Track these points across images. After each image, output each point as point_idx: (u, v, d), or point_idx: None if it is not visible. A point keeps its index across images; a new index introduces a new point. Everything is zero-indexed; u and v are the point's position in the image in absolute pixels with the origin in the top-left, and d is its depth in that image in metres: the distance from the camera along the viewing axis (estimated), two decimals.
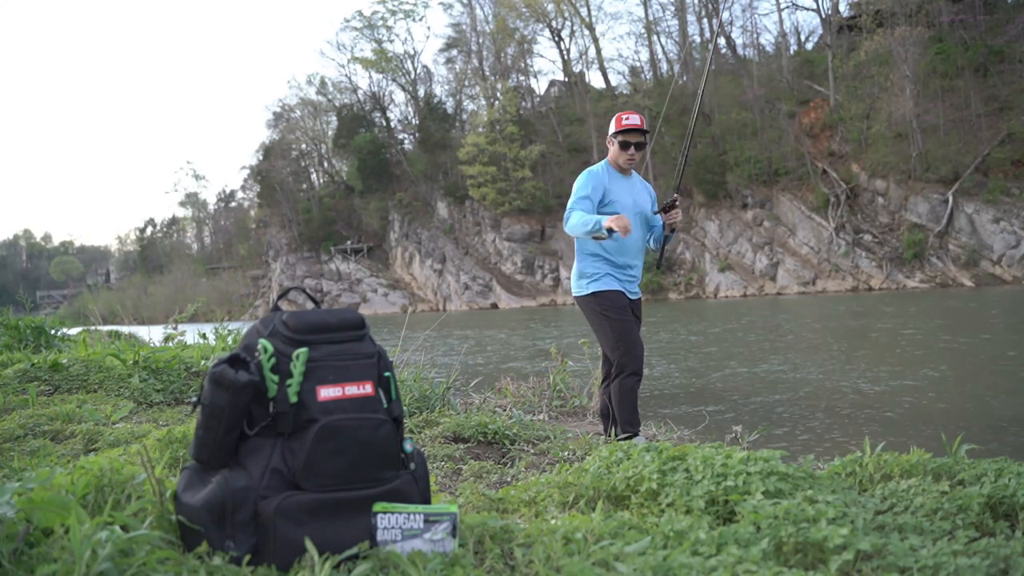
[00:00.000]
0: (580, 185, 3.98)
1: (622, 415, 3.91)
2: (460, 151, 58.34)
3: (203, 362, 4.72)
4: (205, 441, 1.56)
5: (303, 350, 1.56)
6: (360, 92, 71.21)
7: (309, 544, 1.46)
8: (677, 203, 4.06)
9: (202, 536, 1.51)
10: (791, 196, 46.60)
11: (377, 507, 1.56)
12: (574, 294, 4.15)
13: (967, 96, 41.76)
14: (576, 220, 3.79)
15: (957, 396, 6.86)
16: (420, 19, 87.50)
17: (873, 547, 1.48)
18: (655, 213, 4.13)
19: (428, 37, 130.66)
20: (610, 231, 3.69)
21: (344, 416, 1.57)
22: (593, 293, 3.99)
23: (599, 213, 3.98)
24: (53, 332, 6.97)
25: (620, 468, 2.06)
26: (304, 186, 73.53)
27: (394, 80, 70.08)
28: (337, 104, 72.42)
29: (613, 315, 3.94)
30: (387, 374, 1.69)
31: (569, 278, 4.41)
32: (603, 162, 4.12)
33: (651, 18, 57.56)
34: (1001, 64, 42.39)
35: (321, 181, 74.22)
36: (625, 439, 3.71)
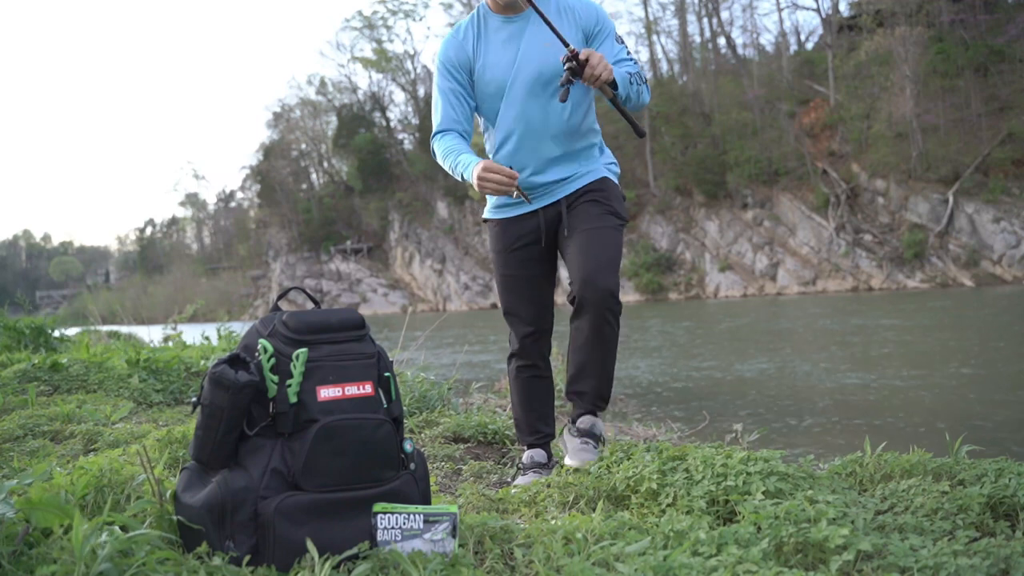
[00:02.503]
0: (437, 86, 2.45)
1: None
2: None
3: (203, 362, 4.72)
4: (205, 441, 1.57)
5: (303, 350, 1.57)
6: (360, 92, 71.32)
7: (309, 544, 1.46)
8: (578, 56, 2.18)
9: (202, 536, 1.51)
10: (791, 196, 46.60)
11: (377, 507, 1.56)
12: None
13: (967, 96, 41.77)
14: (439, 155, 2.42)
15: (958, 395, 6.86)
16: (420, 19, 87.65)
17: (873, 547, 1.48)
18: (561, 85, 2.20)
19: (428, 37, 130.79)
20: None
21: (344, 416, 1.57)
22: (485, 220, 2.64)
23: (476, 99, 2.46)
24: (54, 333, 6.97)
25: (620, 468, 2.06)
26: (304, 186, 73.56)
27: (394, 80, 70.14)
28: (337, 104, 72.48)
29: (496, 265, 2.59)
30: (387, 374, 1.69)
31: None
32: (481, 4, 2.49)
33: (651, 18, 57.62)
34: (1001, 64, 42.40)
35: (321, 181, 74.25)
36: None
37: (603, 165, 2.55)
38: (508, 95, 2.39)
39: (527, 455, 2.54)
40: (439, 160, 2.41)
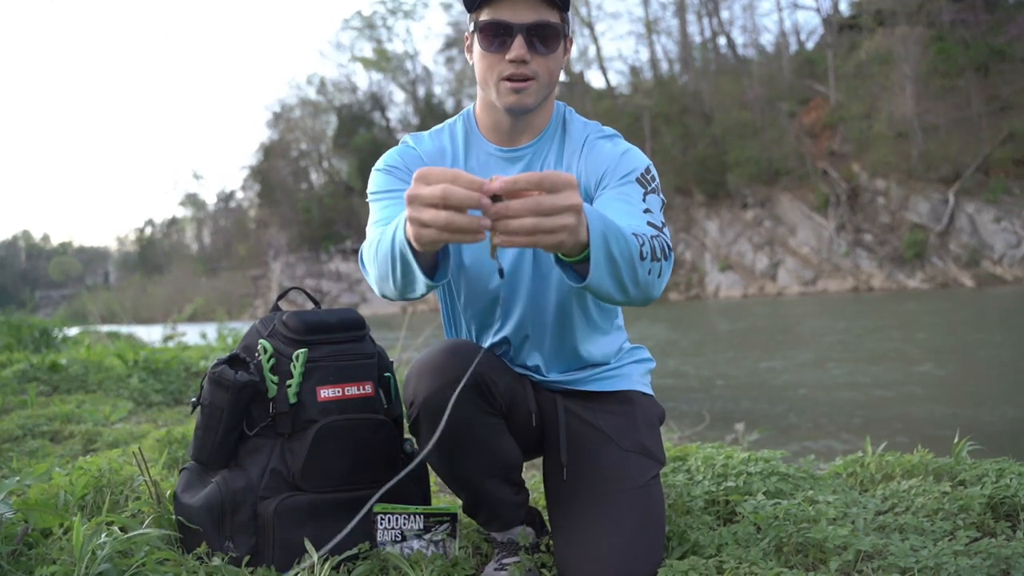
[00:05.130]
0: (371, 193, 1.54)
1: None
2: None
3: (202, 362, 4.72)
4: (204, 442, 1.56)
5: (303, 351, 1.56)
6: (360, 92, 71.39)
7: (308, 545, 1.46)
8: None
9: (201, 537, 1.51)
10: (791, 196, 46.60)
11: (377, 508, 1.56)
12: None
13: (968, 95, 41.79)
14: (367, 256, 1.36)
15: (958, 396, 6.85)
16: (420, 19, 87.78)
17: (874, 547, 1.48)
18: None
19: (428, 37, 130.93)
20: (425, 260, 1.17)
21: (344, 417, 1.57)
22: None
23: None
24: (55, 334, 6.97)
25: None
26: (304, 186, 73.56)
27: (394, 80, 70.24)
28: (337, 104, 72.53)
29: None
30: (387, 374, 1.69)
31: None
32: (457, 118, 1.64)
33: (651, 17, 57.65)
34: (1002, 63, 42.38)
35: (321, 181, 74.30)
36: None
37: (633, 371, 1.68)
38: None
39: (501, 535, 1.61)
40: (369, 268, 1.35)
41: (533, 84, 1.46)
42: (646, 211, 1.40)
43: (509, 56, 1.43)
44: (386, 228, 1.25)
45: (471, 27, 1.48)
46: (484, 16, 1.44)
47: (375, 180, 1.54)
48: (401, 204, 1.42)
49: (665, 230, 1.38)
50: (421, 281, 1.16)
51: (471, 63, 1.52)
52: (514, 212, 0.95)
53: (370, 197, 1.53)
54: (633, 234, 1.22)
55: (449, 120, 1.64)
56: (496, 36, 1.43)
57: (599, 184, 1.50)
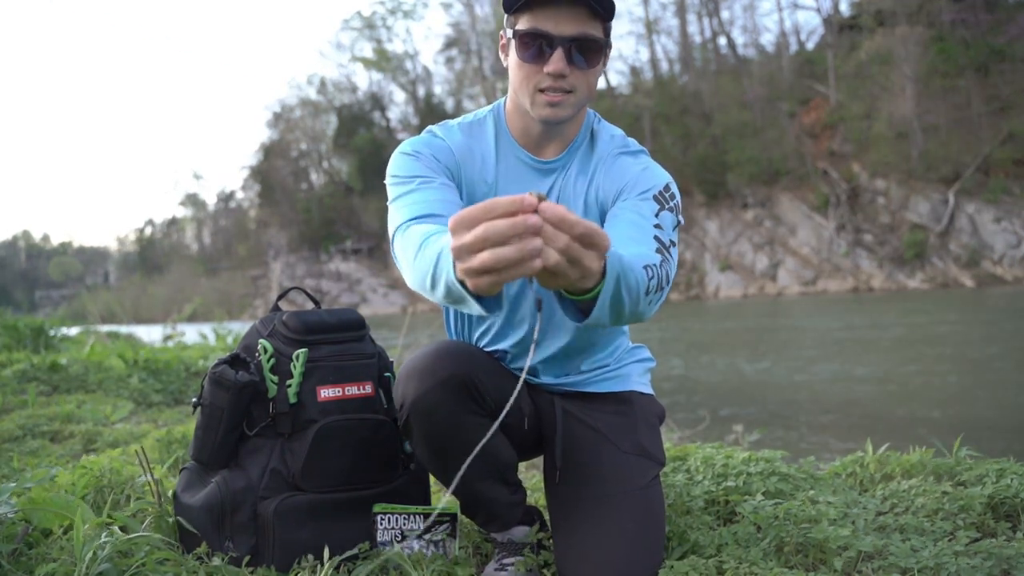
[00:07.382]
0: (393, 175, 1.51)
1: None
2: None
3: (202, 362, 4.72)
4: (205, 442, 1.56)
5: (303, 351, 1.56)
6: (360, 92, 71.48)
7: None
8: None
9: (201, 537, 1.51)
10: (791, 196, 46.65)
11: (377, 508, 1.56)
12: None
13: (968, 96, 41.84)
14: (405, 250, 1.32)
15: (959, 396, 6.86)
16: (420, 19, 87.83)
17: (874, 548, 1.48)
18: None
19: (428, 37, 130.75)
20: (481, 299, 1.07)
21: (344, 416, 1.57)
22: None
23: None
24: (52, 333, 6.96)
25: None
26: (304, 186, 73.63)
27: (394, 80, 70.30)
28: (337, 104, 72.60)
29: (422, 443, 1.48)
30: (387, 374, 1.69)
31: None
32: (487, 113, 1.59)
33: (651, 17, 57.68)
34: (1002, 63, 42.44)
35: (321, 181, 74.37)
36: None
37: (633, 371, 1.67)
38: None
39: (501, 535, 1.59)
40: (407, 272, 1.30)
41: (570, 98, 1.41)
42: (656, 226, 1.37)
43: (548, 69, 1.37)
44: (427, 242, 1.19)
45: (509, 31, 1.42)
46: (524, 24, 1.38)
47: (398, 162, 1.48)
48: (424, 191, 1.41)
49: (672, 251, 1.35)
50: (476, 311, 1.08)
51: (505, 64, 1.47)
52: (548, 239, 0.87)
53: (390, 180, 1.48)
54: (644, 266, 1.18)
55: (479, 113, 1.58)
56: (535, 45, 1.38)
57: (617, 198, 1.47)
